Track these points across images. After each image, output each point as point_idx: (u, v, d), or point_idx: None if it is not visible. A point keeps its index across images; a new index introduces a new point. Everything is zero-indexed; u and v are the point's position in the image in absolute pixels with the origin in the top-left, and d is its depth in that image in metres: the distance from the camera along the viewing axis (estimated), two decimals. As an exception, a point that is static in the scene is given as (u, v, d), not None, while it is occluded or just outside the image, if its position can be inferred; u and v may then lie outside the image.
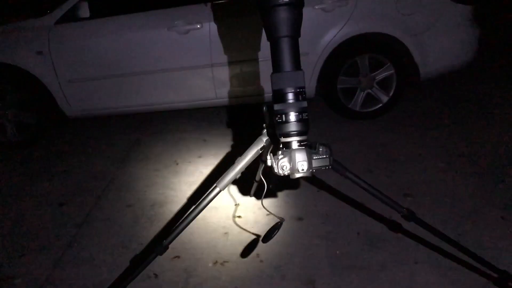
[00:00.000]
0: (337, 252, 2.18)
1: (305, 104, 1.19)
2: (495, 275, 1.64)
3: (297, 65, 1.19)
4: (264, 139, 1.35)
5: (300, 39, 3.53)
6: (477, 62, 3.80)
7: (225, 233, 2.38)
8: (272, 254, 2.18)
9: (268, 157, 1.20)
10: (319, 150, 1.18)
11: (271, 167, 1.18)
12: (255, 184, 2.32)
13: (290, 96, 1.18)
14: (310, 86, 3.64)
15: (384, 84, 3.70)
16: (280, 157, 1.15)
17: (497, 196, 2.52)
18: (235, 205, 2.62)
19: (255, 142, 1.36)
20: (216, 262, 2.16)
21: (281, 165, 1.14)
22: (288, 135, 1.18)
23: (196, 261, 2.18)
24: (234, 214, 2.54)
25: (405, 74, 3.66)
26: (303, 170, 1.14)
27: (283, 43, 1.17)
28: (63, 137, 4.00)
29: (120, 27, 3.45)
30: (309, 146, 1.20)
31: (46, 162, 3.48)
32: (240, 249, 2.24)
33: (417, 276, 1.98)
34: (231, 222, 2.47)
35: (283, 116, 1.17)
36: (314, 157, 1.18)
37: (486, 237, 2.18)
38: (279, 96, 1.18)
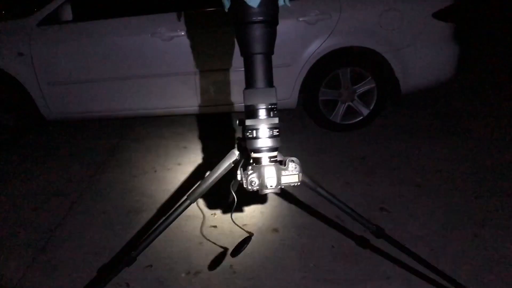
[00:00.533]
0: (311, 265, 2.18)
1: (276, 120, 1.20)
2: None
3: (269, 81, 1.20)
4: (236, 153, 1.36)
5: (283, 51, 3.60)
6: (459, 78, 3.87)
7: (200, 242, 2.37)
8: (245, 265, 2.17)
9: (238, 171, 1.21)
10: (288, 166, 1.19)
11: (241, 182, 1.18)
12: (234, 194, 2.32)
13: (262, 112, 1.19)
14: (292, 97, 3.66)
15: (365, 97, 3.74)
16: (249, 172, 1.16)
17: (471, 213, 2.55)
18: (211, 214, 2.61)
19: (227, 155, 1.37)
20: (188, 273, 2.15)
21: (250, 181, 1.15)
22: (258, 150, 1.19)
23: (169, 271, 2.17)
24: (210, 224, 2.53)
25: (386, 88, 3.71)
26: (271, 186, 1.15)
27: (256, 59, 1.18)
28: (41, 140, 3.95)
29: (103, 32, 3.44)
30: (279, 162, 1.20)
31: (23, 164, 3.44)
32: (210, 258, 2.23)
33: (388, 291, 1.99)
34: (206, 232, 2.46)
35: (254, 131, 1.18)
36: (283, 174, 1.18)
37: (459, 253, 2.21)
38: (251, 112, 1.19)
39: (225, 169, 1.36)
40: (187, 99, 3.64)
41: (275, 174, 1.15)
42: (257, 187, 1.15)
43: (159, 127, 4.13)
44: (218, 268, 2.15)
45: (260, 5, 1.12)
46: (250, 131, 1.18)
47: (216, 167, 1.36)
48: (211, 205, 2.67)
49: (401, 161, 3.25)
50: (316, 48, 3.50)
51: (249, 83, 1.19)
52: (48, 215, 2.71)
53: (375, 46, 3.53)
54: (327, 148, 3.54)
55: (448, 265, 2.10)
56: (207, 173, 1.38)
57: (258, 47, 1.17)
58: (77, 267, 2.22)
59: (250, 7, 1.12)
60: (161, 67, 3.49)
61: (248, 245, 2.18)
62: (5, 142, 3.70)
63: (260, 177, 1.15)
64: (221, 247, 2.28)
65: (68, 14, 3.34)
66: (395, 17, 3.48)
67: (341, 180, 3.00)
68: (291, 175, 1.19)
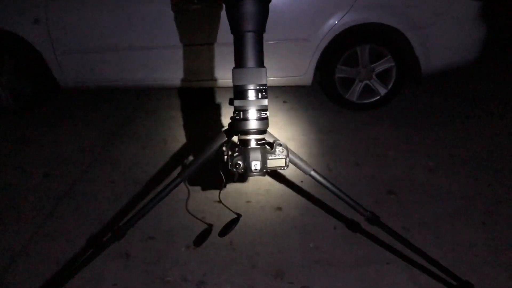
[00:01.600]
0: (311, 245, 2.17)
1: (265, 102, 1.16)
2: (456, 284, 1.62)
3: (260, 61, 1.15)
4: (225, 133, 1.33)
5: (300, 25, 3.49)
6: (483, 60, 3.71)
7: (203, 217, 2.37)
8: (245, 243, 2.18)
9: (225, 152, 1.19)
10: (275, 150, 1.16)
11: (226, 163, 1.16)
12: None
13: (251, 93, 1.15)
14: (308, 73, 3.58)
15: (383, 77, 3.64)
16: (235, 154, 1.14)
17: (482, 201, 2.48)
18: (205, 193, 2.60)
19: (218, 136, 1.34)
20: (189, 247, 2.16)
21: (235, 163, 1.13)
22: (246, 132, 1.16)
23: (170, 244, 2.19)
24: (215, 199, 2.53)
25: (406, 67, 3.59)
26: (256, 170, 1.12)
27: (247, 38, 1.14)
28: (56, 108, 4.00)
29: (117, 0, 3.40)
30: (266, 145, 1.17)
31: (37, 131, 3.49)
32: (214, 235, 2.23)
33: (386, 276, 1.97)
34: (209, 207, 2.46)
35: (242, 113, 1.15)
36: (270, 157, 1.15)
37: (464, 242, 2.16)
38: (240, 92, 1.16)
39: (214, 149, 1.33)
40: (203, 71, 3.60)
41: (261, 157, 1.12)
42: (242, 170, 1.13)
43: (172, 99, 4.12)
44: (218, 244, 2.15)
45: (251, -19, 1.07)
46: (237, 112, 1.15)
47: (206, 148, 1.34)
48: (206, 184, 2.66)
49: (414, 143, 3.17)
50: (334, 23, 3.39)
51: (239, 62, 1.15)
52: (58, 182, 2.76)
53: (396, 23, 3.40)
54: (340, 127, 3.48)
55: (453, 253, 2.06)
56: (199, 153, 1.36)
57: (248, 24, 1.12)
58: (82, 235, 2.26)
59: (240, -18, 1.07)
60: (179, 38, 3.44)
61: (250, 222, 2.19)
62: (21, 109, 3.76)
63: (246, 160, 1.12)
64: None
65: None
66: (418, -6, 3.34)
67: (351, 160, 2.95)
68: (278, 159, 1.16)
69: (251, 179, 2.62)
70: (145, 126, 3.56)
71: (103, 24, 3.44)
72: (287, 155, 1.17)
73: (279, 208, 2.46)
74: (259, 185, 2.64)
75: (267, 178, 2.70)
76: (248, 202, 2.50)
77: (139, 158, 3.03)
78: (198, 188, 2.60)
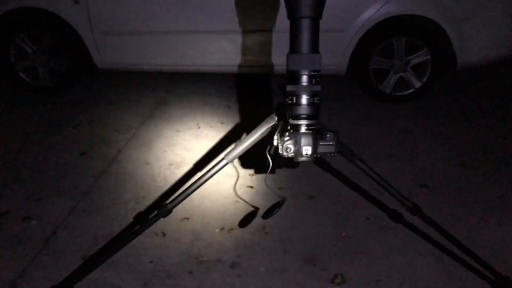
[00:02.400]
0: (343, 234, 2.19)
1: (318, 88, 1.18)
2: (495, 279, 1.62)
3: (315, 47, 1.17)
4: (275, 117, 1.35)
5: (336, 15, 3.49)
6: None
7: (236, 201, 2.41)
8: (278, 228, 2.20)
9: (275, 136, 1.21)
10: (326, 136, 1.18)
11: (276, 147, 1.18)
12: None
13: (304, 78, 1.17)
14: (342, 63, 3.57)
15: (418, 69, 3.60)
16: (286, 138, 1.16)
17: (516, 198, 2.46)
18: (249, 175, 2.64)
19: (267, 119, 1.36)
20: (223, 229, 2.21)
21: (286, 147, 1.15)
22: (297, 117, 1.18)
23: (204, 225, 2.24)
24: (247, 184, 2.56)
25: (442, 61, 3.54)
26: (307, 154, 1.14)
27: (303, 23, 1.15)
28: (92, 88, 4.09)
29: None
30: (316, 131, 1.19)
31: (73, 111, 3.58)
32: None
33: (419, 268, 1.97)
34: (242, 191, 2.50)
35: (294, 98, 1.17)
36: (320, 143, 1.17)
37: (497, 239, 2.15)
38: (293, 77, 1.17)
39: (262, 133, 1.36)
40: (236, 58, 3.62)
41: (312, 142, 1.14)
42: (292, 154, 1.15)
43: (206, 84, 4.16)
44: (251, 228, 2.19)
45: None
46: (290, 97, 1.17)
47: (254, 130, 1.36)
48: (249, 166, 2.70)
49: (448, 138, 3.14)
50: (371, 14, 3.37)
51: (294, 47, 1.16)
52: (95, 161, 2.83)
53: (434, 15, 3.35)
54: (373, 118, 3.47)
55: (487, 249, 2.05)
56: (245, 135, 1.39)
57: (305, 10, 1.13)
58: (118, 213, 2.32)
59: (299, -32, 1.08)
60: (212, 23, 3.47)
61: (283, 209, 2.21)
62: (58, 88, 3.85)
63: (296, 144, 1.14)
64: (253, 206, 2.32)
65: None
66: (459, -14, 3.28)
67: (384, 153, 2.94)
68: (328, 144, 1.18)
69: (281, 166, 2.65)
70: (179, 110, 3.61)
71: (143, 6, 3.47)
72: (337, 142, 1.18)
73: (311, 197, 2.48)
74: (291, 173, 2.66)
75: (299, 167, 2.72)
76: (280, 188, 2.52)
77: (174, 141, 3.08)
78: (232, 173, 2.64)
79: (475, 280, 1.85)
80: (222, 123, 3.36)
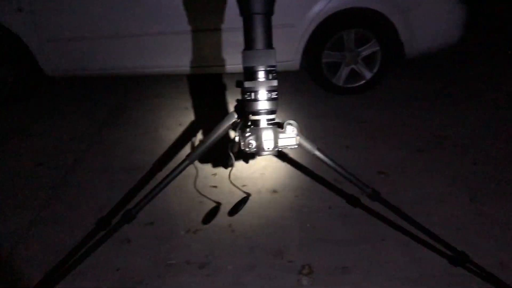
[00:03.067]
0: (308, 225, 2.23)
1: (275, 83, 1.20)
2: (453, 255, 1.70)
3: (269, 43, 1.19)
4: (235, 115, 1.36)
5: (286, 11, 3.53)
6: (465, 42, 3.81)
7: (200, 201, 2.40)
8: (244, 225, 2.22)
9: (236, 133, 1.22)
10: (286, 129, 1.20)
11: (238, 143, 1.20)
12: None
13: (261, 74, 1.18)
14: (295, 59, 3.63)
15: (368, 61, 3.71)
16: (247, 134, 1.17)
17: (469, 178, 2.58)
18: (212, 175, 2.64)
19: (226, 117, 1.37)
20: (189, 230, 2.20)
21: (248, 143, 1.16)
22: (256, 113, 1.19)
23: (169, 228, 2.22)
24: (210, 184, 2.56)
25: (391, 51, 3.66)
26: (268, 148, 1.16)
27: (256, 20, 1.16)
28: (43, 97, 3.96)
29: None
30: (277, 125, 1.21)
31: (26, 121, 3.46)
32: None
33: (384, 252, 2.03)
34: (206, 191, 2.49)
35: (253, 94, 1.18)
36: (281, 136, 1.19)
37: (453, 218, 2.24)
38: (250, 74, 1.19)
39: (223, 130, 1.37)
40: (187, 58, 3.60)
41: (273, 136, 1.16)
42: (255, 149, 1.17)
43: (161, 87, 4.12)
44: (218, 227, 2.19)
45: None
46: (248, 93, 1.18)
47: (215, 129, 1.37)
48: (212, 165, 2.70)
49: (402, 126, 3.25)
50: (321, 8, 3.44)
51: (248, 44, 1.18)
52: (52, 171, 2.75)
53: (381, 8, 3.47)
54: (328, 111, 3.54)
55: (444, 229, 2.13)
56: (201, 135, 1.39)
57: (258, 6, 1.15)
58: (79, 223, 2.26)
59: (249, -35, 1.10)
60: (164, 24, 3.43)
61: (247, 205, 2.22)
62: (5, 98, 3.69)
63: (258, 139, 1.16)
64: (216, 202, 2.32)
65: (68, -32, 3.27)
66: (403, -22, 3.40)
67: (341, 144, 3.01)
68: (289, 138, 1.20)
69: (245, 164, 2.66)
70: (136, 114, 3.56)
71: (89, 11, 3.40)
72: (298, 134, 1.21)
73: (275, 191, 2.50)
74: (253, 169, 2.68)
75: (260, 162, 2.74)
76: (244, 186, 2.54)
77: (133, 146, 3.04)
78: (194, 174, 2.63)
79: (435, 258, 1.93)
80: (180, 124, 3.34)
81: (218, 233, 2.17)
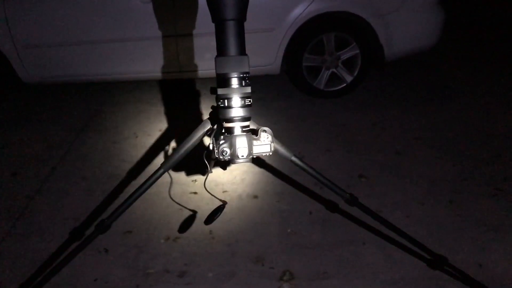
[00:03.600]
0: (288, 230, 2.21)
1: (249, 89, 1.18)
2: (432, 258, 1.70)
3: (242, 49, 1.17)
4: (209, 122, 1.34)
5: (266, 15, 3.52)
6: (443, 44, 3.86)
7: (180, 208, 2.37)
8: (224, 231, 2.20)
9: (211, 140, 1.20)
10: (260, 136, 1.18)
11: (212, 151, 1.18)
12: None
13: (234, 81, 1.17)
14: (276, 63, 3.62)
15: (349, 64, 3.72)
16: (221, 142, 1.15)
17: (448, 180, 2.60)
18: (192, 181, 2.61)
19: (201, 124, 1.35)
20: (168, 238, 2.17)
21: (222, 150, 1.14)
22: (230, 120, 1.18)
23: (148, 236, 2.19)
24: (190, 191, 2.54)
25: (370, 54, 3.68)
26: (243, 156, 1.14)
27: (228, 26, 1.15)
28: (18, 104, 3.88)
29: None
30: (252, 132, 1.19)
31: (1, 129, 3.38)
32: (193, 225, 2.25)
33: (364, 256, 2.03)
34: (186, 198, 2.47)
35: (226, 101, 1.16)
36: (255, 143, 1.18)
37: (433, 220, 2.26)
38: (223, 81, 1.17)
39: (198, 138, 1.35)
40: (168, 63, 3.57)
41: (247, 144, 1.14)
42: (229, 157, 1.15)
43: (140, 92, 4.07)
44: (197, 234, 2.17)
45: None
46: (222, 100, 1.17)
47: (189, 137, 1.35)
48: (192, 172, 2.67)
49: (382, 128, 3.27)
50: (300, 12, 3.43)
51: (221, 50, 1.16)
52: (28, 181, 2.69)
53: (360, 11, 3.47)
54: (309, 115, 3.54)
55: (424, 231, 2.15)
56: (182, 142, 1.37)
57: (230, 13, 1.14)
58: (56, 233, 2.22)
59: (219, -30, 1.08)
60: (141, 30, 3.40)
61: (228, 211, 2.21)
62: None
63: (232, 147, 1.14)
64: (191, 210, 2.30)
65: (43, -27, 3.21)
66: (381, -18, 3.43)
67: (322, 147, 3.01)
68: (263, 145, 1.19)
69: (226, 169, 2.64)
70: (114, 120, 3.51)
71: (66, 17, 3.35)
72: (272, 141, 1.20)
73: (256, 196, 2.49)
74: (234, 175, 2.67)
75: (241, 168, 2.73)
76: (224, 191, 2.52)
77: (111, 153, 2.99)
78: (174, 181, 2.60)
79: (414, 262, 1.93)
80: (159, 130, 3.30)
81: (199, 240, 2.15)
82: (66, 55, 3.47)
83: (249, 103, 1.18)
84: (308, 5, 3.40)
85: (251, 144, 1.16)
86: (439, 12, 3.61)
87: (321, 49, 3.64)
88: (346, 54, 3.66)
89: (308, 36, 3.57)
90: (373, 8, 3.48)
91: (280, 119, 3.45)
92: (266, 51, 3.57)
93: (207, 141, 1.30)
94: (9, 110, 3.75)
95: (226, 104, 1.17)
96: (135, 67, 3.58)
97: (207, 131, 1.34)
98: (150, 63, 3.55)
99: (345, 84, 3.75)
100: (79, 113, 3.64)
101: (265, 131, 1.19)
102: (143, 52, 3.49)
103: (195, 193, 2.51)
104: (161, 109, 3.69)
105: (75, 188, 2.61)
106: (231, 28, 1.15)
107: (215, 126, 1.31)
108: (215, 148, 1.16)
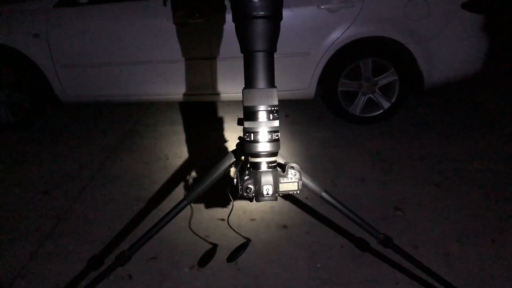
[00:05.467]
0: (318, 265, 2.11)
1: (276, 123, 1.12)
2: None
3: (271, 81, 1.12)
4: (233, 156, 1.29)
5: (302, 39, 3.48)
6: (487, 73, 3.70)
7: (206, 236, 2.32)
8: (251, 262, 2.12)
9: (235, 175, 1.14)
10: (288, 173, 1.11)
11: (237, 187, 1.12)
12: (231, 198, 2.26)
13: (262, 114, 1.11)
14: (310, 87, 3.55)
15: (386, 90, 3.61)
16: (246, 178, 1.09)
17: (490, 217, 2.44)
18: (221, 206, 2.56)
19: (226, 156, 1.30)
20: (192, 267, 2.11)
21: (246, 187, 1.08)
22: (256, 155, 1.12)
23: (173, 264, 2.13)
24: (218, 217, 2.48)
25: (409, 81, 3.57)
26: (268, 194, 1.08)
27: (258, 57, 1.10)
28: (55, 122, 3.95)
29: (117, 14, 3.38)
30: (278, 168, 1.13)
31: (36, 147, 3.45)
32: (219, 254, 2.18)
33: (396, 297, 1.91)
34: (213, 225, 2.41)
35: (252, 135, 1.11)
36: (282, 181, 1.11)
37: (473, 261, 2.11)
38: (250, 114, 1.11)
39: (222, 171, 1.29)
40: (203, 85, 3.57)
41: (273, 181, 1.08)
42: (253, 194, 1.08)
43: (173, 113, 4.08)
44: (222, 264, 2.10)
45: (261, -1, 1.03)
46: (248, 134, 1.11)
47: (214, 169, 1.29)
48: (219, 199, 2.60)
49: (420, 157, 3.13)
50: (337, 37, 3.37)
51: (249, 82, 1.11)
52: (58, 200, 2.70)
53: (399, 36, 3.37)
54: (344, 141, 3.44)
55: (463, 273, 2.01)
56: (206, 173, 1.32)
57: (259, 44, 1.09)
58: (82, 256, 2.20)
59: (251, 1, 1.03)
60: (178, 52, 3.41)
61: (256, 242, 2.14)
62: (21, 123, 3.71)
63: (257, 183, 1.08)
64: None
65: (84, -4, 3.29)
66: (422, 7, 3.31)
67: (356, 176, 2.90)
68: (290, 182, 1.12)
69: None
70: (147, 141, 3.52)
71: (103, 38, 3.41)
72: (300, 178, 1.12)
73: (285, 226, 2.40)
74: (263, 203, 2.58)
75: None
76: (252, 220, 2.45)
77: (141, 174, 2.98)
78: (201, 206, 2.54)
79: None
80: (190, 152, 3.28)
81: (223, 271, 2.08)
82: (103, 75, 3.53)
83: (277, 137, 1.12)
84: (345, 30, 3.33)
85: (277, 182, 1.09)
86: (483, 38, 3.45)
87: (358, 74, 3.56)
88: (383, 80, 3.56)
89: (344, 61, 3.50)
90: (412, 34, 3.37)
91: (313, 145, 3.37)
92: (300, 75, 3.51)
93: (232, 172, 1.24)
94: (46, 127, 3.83)
95: (252, 138, 1.11)
96: (169, 89, 3.60)
97: (232, 163, 1.28)
98: (184, 85, 3.56)
99: (382, 111, 3.64)
100: (113, 132, 3.68)
101: (292, 167, 1.12)
102: (177, 73, 3.50)
103: (222, 219, 2.45)
104: (193, 131, 3.68)
105: (104, 209, 2.60)
106: (260, 60, 1.10)
107: (242, 158, 1.24)
108: (239, 184, 1.10)
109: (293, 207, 2.56)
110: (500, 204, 2.55)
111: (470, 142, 3.35)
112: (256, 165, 1.11)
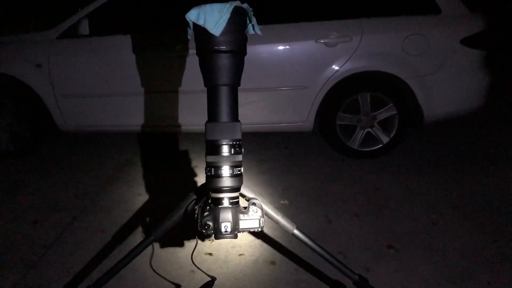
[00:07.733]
0: (304, 304, 2.04)
1: (239, 158, 1.10)
2: None
3: (235, 116, 1.10)
4: (194, 195, 1.26)
5: (299, 72, 3.47)
6: (488, 108, 3.65)
7: (191, 271, 2.26)
8: (234, 300, 2.06)
9: (196, 211, 1.11)
10: (249, 210, 1.08)
11: (196, 223, 1.09)
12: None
13: (225, 148, 1.09)
14: (308, 120, 3.54)
15: (385, 124, 3.58)
16: (205, 214, 1.06)
17: (487, 258, 2.35)
18: (209, 241, 2.51)
19: (186, 197, 1.27)
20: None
21: (205, 224, 1.05)
22: (218, 190, 1.09)
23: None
24: (206, 251, 2.42)
25: (408, 115, 3.53)
26: (226, 232, 1.04)
27: (221, 91, 1.09)
28: (54, 151, 3.98)
29: (117, 46, 3.44)
30: (239, 204, 1.10)
31: (33, 175, 3.45)
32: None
33: None
34: (200, 259, 2.35)
35: (214, 169, 1.08)
36: (242, 218, 1.07)
37: (467, 303, 2.02)
38: (213, 147, 1.09)
39: (183, 209, 1.26)
40: (201, 118, 3.57)
41: (232, 218, 1.05)
42: (212, 232, 1.05)
43: (173, 144, 4.08)
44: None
45: (224, 33, 1.03)
46: (208, 169, 1.08)
47: (179, 203, 1.26)
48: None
49: (417, 194, 3.06)
50: (335, 71, 3.38)
51: (212, 116, 1.10)
52: (47, 230, 2.68)
53: (398, 71, 3.37)
54: (341, 175, 3.39)
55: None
56: (173, 209, 1.29)
57: (222, 78, 1.08)
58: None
59: (212, 35, 1.03)
60: (173, 84, 3.44)
61: (243, 277, 2.08)
62: (21, 152, 3.75)
63: (216, 220, 1.05)
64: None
65: (85, 28, 3.35)
66: (420, 42, 3.32)
67: (350, 211, 2.84)
68: (251, 219, 1.08)
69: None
70: (143, 172, 3.50)
71: (104, 69, 3.46)
72: (262, 216, 1.09)
73: (273, 262, 2.34)
74: (253, 237, 2.54)
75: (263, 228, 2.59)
76: (241, 255, 2.39)
77: (134, 205, 2.95)
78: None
79: None
80: (189, 184, 3.25)
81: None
82: (102, 105, 3.57)
83: (239, 172, 1.10)
84: (343, 65, 3.34)
85: (237, 219, 1.06)
86: (483, 74, 3.43)
87: (357, 108, 3.54)
88: (382, 115, 3.54)
89: (342, 95, 3.49)
90: (411, 68, 3.36)
91: (309, 178, 3.32)
92: (299, 108, 3.51)
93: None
94: (44, 156, 3.85)
95: (213, 173, 1.08)
96: (168, 120, 3.61)
97: (192, 201, 1.25)
98: (184, 116, 3.57)
99: (381, 145, 3.60)
100: (110, 162, 3.68)
101: (254, 204, 1.09)
102: (176, 105, 3.52)
103: (210, 254, 2.40)
104: (191, 162, 3.67)
105: (92, 241, 2.57)
106: (224, 94, 1.09)
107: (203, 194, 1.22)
108: (199, 221, 1.07)
109: (284, 243, 2.50)
110: (497, 245, 2.46)
111: (468, 178, 3.28)
112: (217, 201, 1.08)
